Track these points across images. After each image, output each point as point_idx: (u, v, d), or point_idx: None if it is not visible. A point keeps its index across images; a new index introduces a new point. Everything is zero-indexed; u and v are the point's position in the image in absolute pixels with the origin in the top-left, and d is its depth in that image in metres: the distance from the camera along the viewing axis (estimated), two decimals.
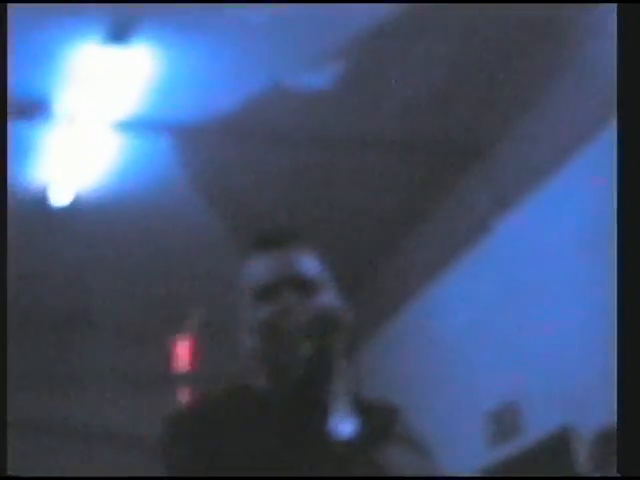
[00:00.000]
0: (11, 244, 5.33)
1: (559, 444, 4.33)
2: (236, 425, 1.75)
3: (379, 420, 1.80)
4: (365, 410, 1.79)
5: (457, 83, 4.54)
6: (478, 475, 4.88)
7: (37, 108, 4.43)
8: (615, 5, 2.24)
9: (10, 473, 2.27)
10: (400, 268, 5.88)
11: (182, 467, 1.75)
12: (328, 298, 1.84)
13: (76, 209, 5.04)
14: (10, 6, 3.44)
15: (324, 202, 5.40)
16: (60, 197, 4.93)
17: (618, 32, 2.02)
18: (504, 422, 4.78)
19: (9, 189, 4.84)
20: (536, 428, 4.55)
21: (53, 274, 5.72)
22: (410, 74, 4.45)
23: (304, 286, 1.83)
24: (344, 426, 1.72)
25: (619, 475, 1.79)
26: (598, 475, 3.08)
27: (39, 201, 5.00)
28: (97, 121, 4.50)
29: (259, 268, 1.86)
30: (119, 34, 4.14)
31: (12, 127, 4.52)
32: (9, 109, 4.37)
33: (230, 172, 5.09)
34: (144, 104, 4.50)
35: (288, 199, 5.33)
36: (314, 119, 4.75)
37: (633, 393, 1.77)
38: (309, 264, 1.88)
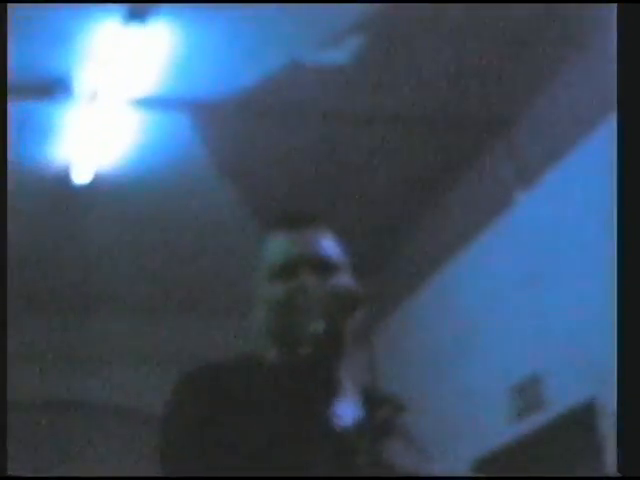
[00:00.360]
0: (32, 223, 5.42)
1: (584, 417, 4.32)
2: (241, 395, 1.74)
3: (384, 413, 1.81)
4: (371, 400, 1.82)
5: (479, 57, 4.49)
6: (502, 449, 4.88)
7: (57, 87, 4.44)
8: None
9: (10, 473, 2.27)
10: (421, 243, 5.87)
11: (184, 433, 1.72)
12: (344, 280, 1.83)
13: (96, 187, 5.06)
14: (10, 6, 3.45)
15: (343, 178, 5.39)
16: (80, 175, 4.95)
17: (618, 32, 1.99)
18: (528, 396, 4.77)
19: (31, 167, 4.91)
20: (561, 401, 4.54)
21: (73, 253, 5.76)
22: (429, 49, 4.40)
23: (322, 267, 1.84)
24: (347, 412, 1.74)
25: (619, 475, 1.78)
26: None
27: (60, 179, 5.03)
28: (117, 99, 4.50)
29: (278, 247, 1.88)
30: (138, 11, 4.13)
31: (33, 106, 4.57)
32: (30, 88, 4.41)
33: (249, 149, 5.09)
34: (163, 81, 4.49)
35: (307, 175, 5.32)
36: (333, 95, 4.73)
37: (633, 393, 1.75)
38: (327, 245, 1.90)
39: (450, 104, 4.83)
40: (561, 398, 4.52)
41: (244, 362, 1.86)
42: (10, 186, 5.16)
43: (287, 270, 1.83)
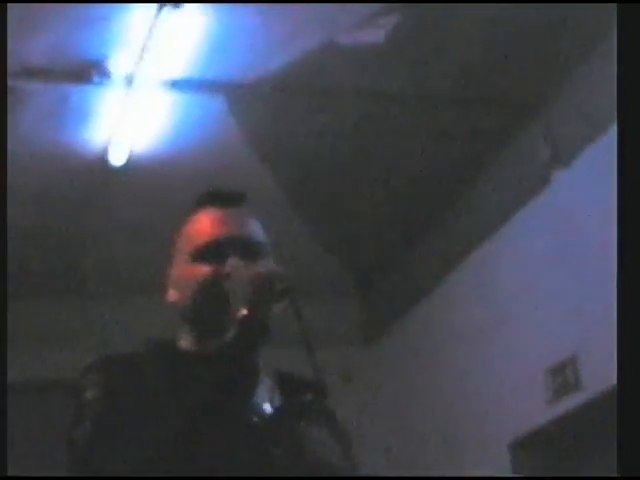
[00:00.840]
0: (73, 205, 5.46)
1: None
2: (155, 383, 1.68)
3: (303, 397, 1.75)
4: (292, 385, 1.78)
5: (515, 38, 4.45)
6: (539, 430, 4.87)
7: (94, 70, 4.46)
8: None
9: (11, 474, 2.23)
10: (456, 223, 5.84)
11: (93, 412, 1.64)
12: (270, 265, 1.76)
13: (133, 169, 5.09)
14: (10, 6, 3.46)
15: (379, 157, 5.38)
16: (117, 157, 4.98)
17: (618, 32, 1.96)
18: (564, 377, 4.75)
19: (68, 150, 4.94)
20: (597, 382, 4.51)
21: (113, 233, 5.81)
22: (464, 28, 4.37)
23: (249, 249, 1.77)
24: (266, 398, 1.71)
25: (619, 475, 1.77)
26: None
27: (97, 162, 5.07)
28: (153, 81, 4.52)
29: (204, 226, 1.80)
30: None
31: (70, 90, 4.60)
32: (67, 72, 4.44)
33: (284, 130, 5.08)
34: (199, 63, 4.49)
35: (342, 155, 5.32)
36: (368, 75, 4.71)
37: (633, 393, 1.73)
38: (255, 228, 1.81)
39: (488, 83, 4.79)
40: (597, 379, 4.49)
41: (157, 348, 1.79)
42: (48, 169, 5.23)
43: (213, 251, 1.75)
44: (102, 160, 5.03)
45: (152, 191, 5.30)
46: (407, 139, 5.24)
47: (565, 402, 4.72)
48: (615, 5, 2.18)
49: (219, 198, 1.83)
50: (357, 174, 5.51)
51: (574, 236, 4.75)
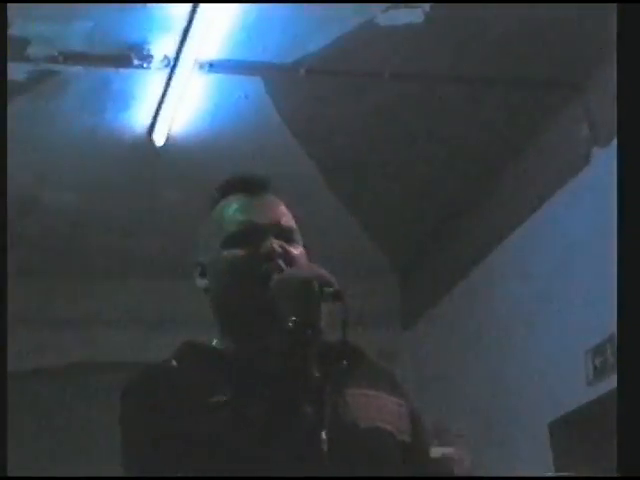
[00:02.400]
0: (116, 188, 5.52)
1: None
2: (198, 389, 1.58)
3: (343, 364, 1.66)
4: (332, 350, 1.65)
5: (555, 18, 4.41)
6: (580, 411, 4.85)
7: (133, 54, 4.50)
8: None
9: (10, 474, 2.21)
10: (495, 204, 5.82)
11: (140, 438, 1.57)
12: (304, 256, 1.70)
13: (172, 151, 5.14)
14: (10, 6, 3.48)
15: (416, 139, 5.36)
16: (157, 140, 5.03)
17: (618, 32, 1.94)
18: (605, 357, 4.72)
19: (108, 133, 4.99)
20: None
21: (156, 214, 5.87)
22: (502, 8, 4.34)
23: (281, 234, 1.70)
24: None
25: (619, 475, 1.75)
26: None
27: (137, 144, 5.12)
28: (191, 64, 4.55)
29: (232, 212, 1.73)
30: None
31: (111, 73, 4.65)
32: (107, 56, 4.48)
33: (321, 111, 5.09)
34: (236, 45, 4.52)
35: (378, 138, 5.31)
36: (406, 56, 4.69)
37: (633, 392, 1.72)
38: (285, 213, 1.75)
39: (527, 64, 4.76)
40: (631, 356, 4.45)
41: (197, 355, 1.68)
42: (89, 153, 5.29)
43: (247, 236, 1.68)
44: (143, 143, 5.08)
45: (192, 172, 5.34)
46: (445, 121, 5.22)
47: (605, 382, 4.69)
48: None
49: (244, 185, 1.77)
50: (393, 156, 5.51)
51: (614, 215, 4.70)
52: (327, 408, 1.56)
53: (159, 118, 4.93)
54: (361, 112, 5.10)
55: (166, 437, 1.54)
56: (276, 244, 1.66)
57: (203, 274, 1.74)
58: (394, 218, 6.12)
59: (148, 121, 4.99)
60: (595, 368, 4.80)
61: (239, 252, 1.67)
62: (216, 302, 1.72)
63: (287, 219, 1.75)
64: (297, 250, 1.71)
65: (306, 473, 1.51)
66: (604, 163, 4.82)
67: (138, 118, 4.99)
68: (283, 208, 1.76)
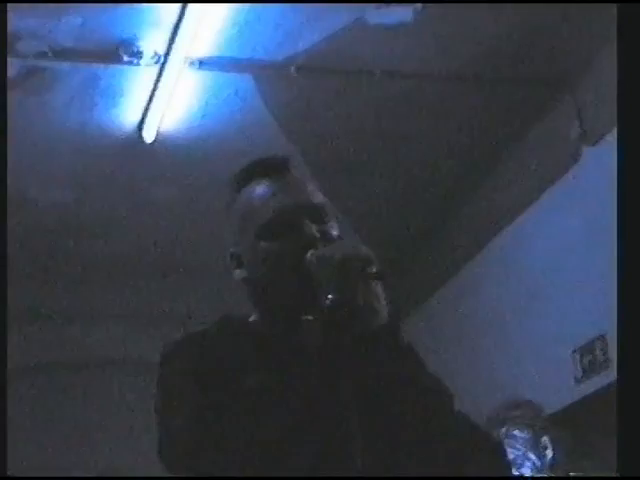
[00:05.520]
0: (105, 183, 5.49)
1: None
2: (238, 362, 1.56)
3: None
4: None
5: (546, 17, 4.42)
6: (569, 409, 4.86)
7: (123, 50, 4.49)
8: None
9: (10, 473, 2.18)
10: (485, 202, 5.82)
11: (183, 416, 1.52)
12: (338, 231, 1.65)
13: (161, 148, 5.13)
14: (10, 6, 3.47)
15: (407, 137, 5.36)
16: (146, 136, 5.02)
17: (618, 32, 1.94)
18: (594, 356, 4.74)
19: (98, 129, 4.97)
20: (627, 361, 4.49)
21: (144, 210, 5.85)
22: (492, 7, 4.34)
23: (315, 214, 1.64)
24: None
25: (619, 475, 1.75)
26: None
27: (127, 140, 5.11)
28: (181, 61, 4.54)
29: (260, 198, 1.66)
30: None
31: (100, 69, 4.63)
32: (97, 52, 4.47)
33: (310, 108, 5.08)
34: (226, 43, 4.50)
35: (368, 135, 5.31)
36: (397, 54, 4.69)
37: (633, 393, 1.72)
38: (313, 189, 1.68)
39: (515, 64, 4.77)
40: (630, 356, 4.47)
41: (236, 329, 1.66)
42: (79, 149, 5.26)
43: (282, 224, 1.61)
44: (132, 139, 5.06)
45: (182, 169, 5.33)
46: (436, 119, 5.22)
47: (594, 381, 4.71)
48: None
49: (265, 168, 1.70)
50: (384, 154, 5.51)
51: (604, 214, 4.72)
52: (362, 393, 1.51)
53: (149, 115, 4.91)
54: (352, 110, 5.10)
55: (200, 407, 1.51)
56: (314, 229, 1.60)
57: (240, 265, 1.68)
58: (385, 216, 6.12)
59: (138, 118, 4.98)
60: (584, 367, 4.82)
61: (277, 242, 1.61)
62: (257, 290, 1.67)
63: (316, 196, 1.68)
64: (333, 228, 1.65)
65: (338, 464, 1.48)
66: (594, 162, 4.84)
67: (128, 115, 4.98)
68: (309, 185, 1.70)
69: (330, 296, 1.49)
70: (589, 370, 4.77)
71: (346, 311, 1.48)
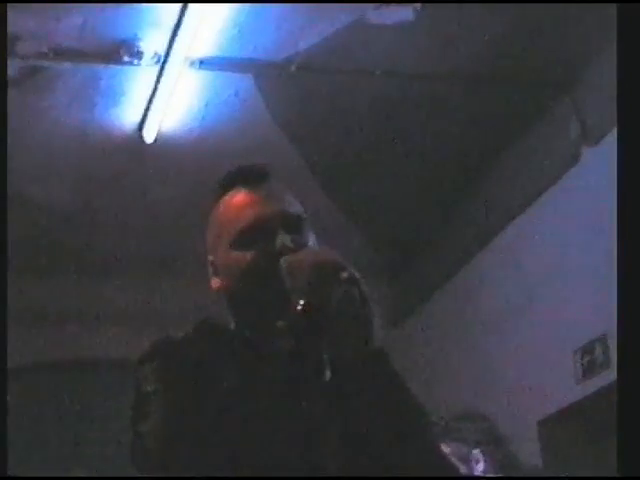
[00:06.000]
0: (106, 183, 5.49)
1: None
2: (214, 366, 1.57)
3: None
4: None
5: (546, 16, 4.42)
6: (568, 409, 4.86)
7: (123, 50, 4.49)
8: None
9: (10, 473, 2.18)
10: (485, 203, 5.82)
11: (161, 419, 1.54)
12: (314, 241, 1.66)
13: (162, 147, 5.13)
14: (11, 6, 3.47)
15: (407, 137, 5.36)
16: (147, 136, 5.02)
17: (618, 32, 1.94)
18: (594, 356, 4.74)
19: (99, 128, 4.97)
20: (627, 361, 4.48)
21: (142, 211, 5.85)
22: (496, 8, 4.34)
23: (292, 224, 1.66)
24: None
25: (619, 475, 1.75)
26: None
27: (127, 140, 5.11)
28: (181, 61, 4.54)
29: (238, 207, 1.68)
30: None
31: (101, 69, 4.63)
32: (98, 52, 4.47)
33: (311, 108, 5.08)
34: (226, 43, 4.51)
35: (369, 135, 5.31)
36: (397, 54, 4.69)
37: (633, 391, 1.72)
38: (291, 200, 1.70)
39: (515, 63, 4.77)
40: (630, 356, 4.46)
41: (213, 335, 1.67)
42: (79, 149, 5.26)
43: (257, 233, 1.63)
44: (133, 139, 5.07)
45: (182, 169, 5.33)
46: (436, 118, 5.22)
47: (594, 381, 4.71)
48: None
49: (245, 177, 1.71)
50: (384, 154, 5.51)
51: (604, 214, 4.72)
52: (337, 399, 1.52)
53: (149, 115, 4.91)
54: (352, 110, 5.10)
55: (177, 410, 1.53)
56: (287, 239, 1.62)
57: (216, 273, 1.71)
58: (384, 216, 6.12)
59: (138, 118, 4.98)
60: (584, 367, 4.82)
61: (250, 253, 1.62)
62: (231, 298, 1.69)
63: (293, 206, 1.70)
64: (309, 238, 1.67)
65: (313, 464, 1.49)
66: (594, 162, 4.84)
67: (128, 115, 4.98)
68: (287, 195, 1.72)
69: (301, 301, 1.50)
70: (589, 370, 4.77)
71: (317, 315, 1.49)
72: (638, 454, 1.67)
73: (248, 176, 1.72)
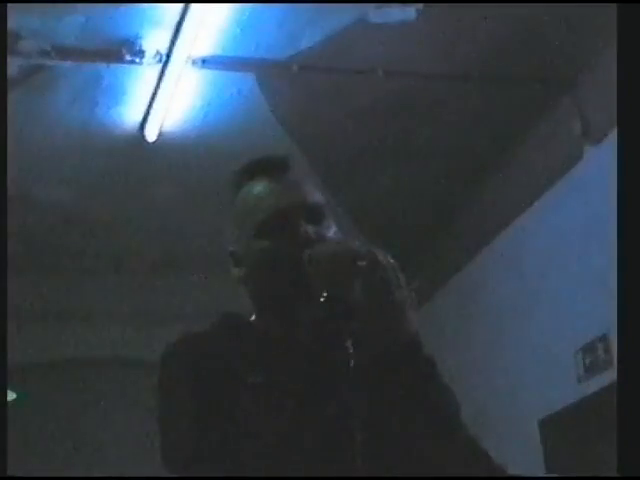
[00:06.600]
0: (108, 182, 5.50)
1: None
2: (238, 360, 1.57)
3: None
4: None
5: (548, 15, 4.42)
6: (571, 408, 4.86)
7: (125, 49, 4.49)
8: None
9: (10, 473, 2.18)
10: (488, 201, 5.82)
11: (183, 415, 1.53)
12: (335, 230, 1.66)
13: (164, 146, 5.13)
14: (13, 5, 3.47)
15: (409, 136, 5.36)
16: (149, 134, 5.02)
17: (618, 32, 1.94)
18: (596, 355, 4.74)
19: (101, 127, 4.97)
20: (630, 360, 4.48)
21: (144, 210, 5.85)
22: (495, 6, 4.34)
23: (313, 214, 1.66)
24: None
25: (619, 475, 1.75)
26: None
27: (129, 139, 5.11)
28: (183, 59, 4.54)
29: (259, 197, 1.68)
30: None
31: (103, 68, 4.63)
32: (100, 51, 4.47)
33: (312, 107, 5.08)
34: (228, 41, 4.51)
35: (370, 134, 5.31)
36: (398, 53, 4.69)
37: (633, 392, 1.72)
38: (312, 189, 1.70)
39: (517, 62, 4.76)
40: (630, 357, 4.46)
41: (235, 328, 1.67)
42: (82, 147, 5.26)
43: (279, 223, 1.63)
44: (135, 137, 5.07)
45: (184, 167, 5.33)
46: (438, 117, 5.22)
47: (596, 380, 4.71)
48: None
49: (265, 168, 1.72)
50: (386, 153, 5.51)
51: (606, 213, 4.72)
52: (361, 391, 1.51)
53: (151, 113, 4.92)
54: (354, 109, 5.10)
55: (201, 409, 1.52)
56: (309, 229, 1.62)
57: (238, 264, 1.71)
58: (385, 215, 6.12)
59: (140, 116, 4.98)
60: (585, 366, 4.82)
61: (273, 242, 1.62)
62: (253, 289, 1.69)
63: (314, 196, 1.70)
64: (330, 229, 1.67)
65: (340, 459, 1.48)
66: (596, 160, 4.83)
67: (130, 113, 4.98)
68: (308, 185, 1.72)
69: (325, 294, 1.50)
70: (591, 370, 4.77)
71: (340, 307, 1.50)
72: (638, 454, 1.67)
73: (268, 167, 1.72)
